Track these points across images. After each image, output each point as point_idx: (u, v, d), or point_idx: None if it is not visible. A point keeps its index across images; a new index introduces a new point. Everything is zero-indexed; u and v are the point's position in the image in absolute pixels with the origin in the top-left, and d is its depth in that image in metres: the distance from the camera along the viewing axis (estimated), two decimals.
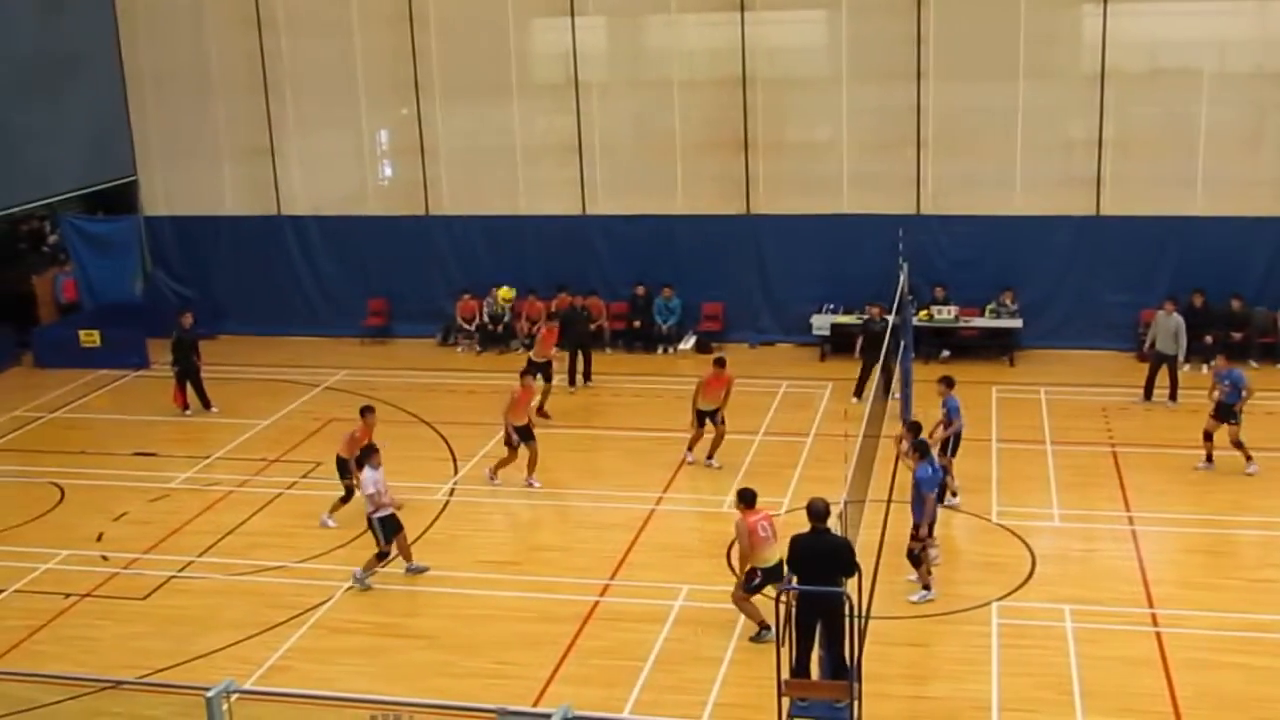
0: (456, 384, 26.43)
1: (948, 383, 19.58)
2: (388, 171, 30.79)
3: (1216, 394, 20.38)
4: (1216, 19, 26.18)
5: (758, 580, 15.49)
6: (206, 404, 24.84)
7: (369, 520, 17.45)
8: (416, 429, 23.58)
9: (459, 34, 28.51)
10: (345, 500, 19.35)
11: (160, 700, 13.58)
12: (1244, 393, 20.16)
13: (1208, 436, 20.38)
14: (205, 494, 20.92)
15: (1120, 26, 25.89)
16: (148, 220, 30.98)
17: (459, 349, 28.73)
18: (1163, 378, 23.46)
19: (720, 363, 21.24)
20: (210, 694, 9.70)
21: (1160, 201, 26.18)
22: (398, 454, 22.16)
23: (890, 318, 21.74)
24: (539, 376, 23.25)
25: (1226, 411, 20.21)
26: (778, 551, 14.99)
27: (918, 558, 16.67)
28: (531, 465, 20.53)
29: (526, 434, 20.39)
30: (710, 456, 21.11)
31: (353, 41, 28.99)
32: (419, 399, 25.16)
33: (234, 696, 9.97)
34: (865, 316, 24.64)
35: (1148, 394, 23.51)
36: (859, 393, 23.61)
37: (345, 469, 19.21)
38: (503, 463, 20.60)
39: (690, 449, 21.21)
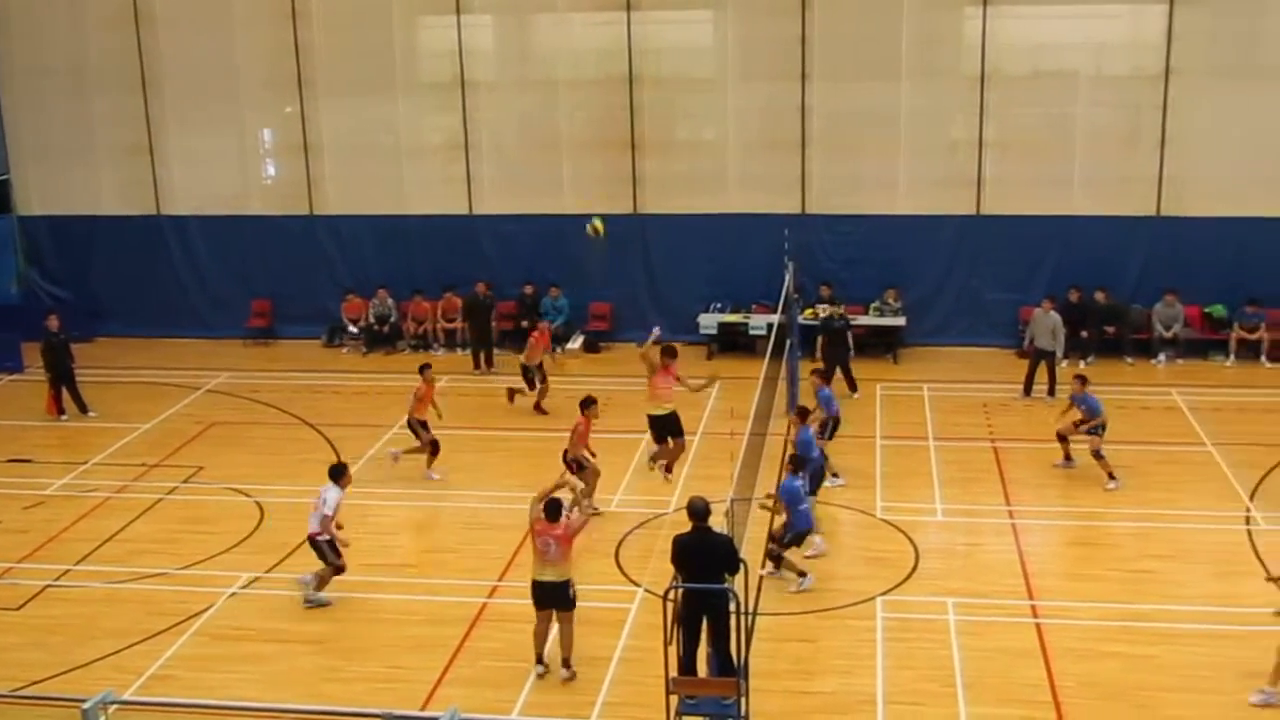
0: (342, 385, 26.19)
1: (821, 375, 20.76)
2: (271, 170, 30.42)
3: (1069, 416, 20.65)
4: (1093, 22, 26.80)
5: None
6: (83, 408, 24.32)
7: (313, 542, 16.80)
8: (301, 431, 23.32)
9: (343, 30, 28.22)
10: (435, 452, 20.71)
11: (35, 713, 13.29)
12: (1099, 420, 20.24)
13: (1062, 438, 20.68)
14: (83, 500, 20.48)
15: (1000, 29, 26.42)
16: (21, 220, 30.23)
17: (344, 350, 28.46)
18: (1042, 374, 24.00)
19: (587, 404, 19.65)
20: (87, 705, 9.52)
21: (1039, 201, 26.76)
22: (281, 457, 22.03)
23: (850, 315, 23.39)
24: (535, 379, 23.91)
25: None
26: (547, 572, 14.87)
27: (778, 557, 16.92)
28: (591, 491, 19.33)
29: (579, 465, 19.22)
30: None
31: (234, 37, 28.54)
32: (304, 401, 24.89)
33: (112, 708, 9.79)
34: (824, 314, 25.17)
35: (1027, 390, 24.03)
36: (852, 387, 24.37)
37: (416, 428, 20.75)
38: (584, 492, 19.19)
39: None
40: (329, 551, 16.78)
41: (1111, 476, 20.03)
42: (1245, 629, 15.15)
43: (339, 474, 17.10)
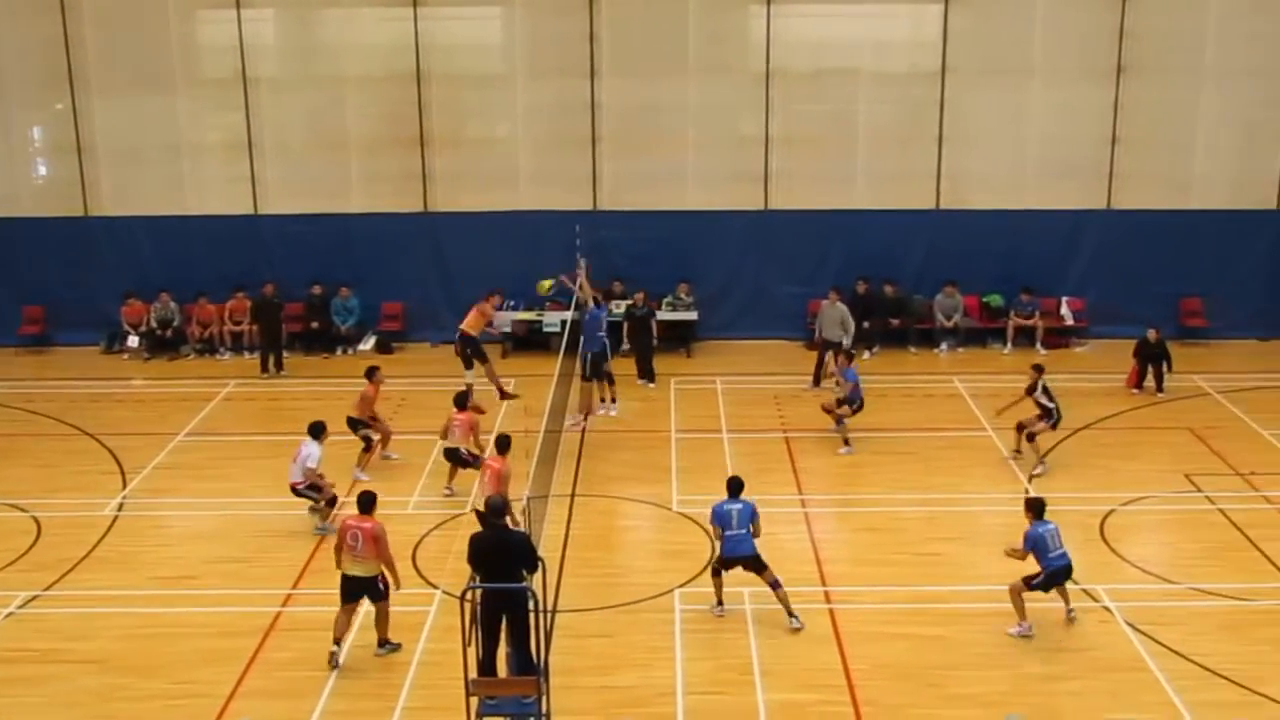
0: (124, 393, 25.30)
1: (848, 355, 21.99)
2: (42, 170, 29.13)
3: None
4: (873, 21, 27.57)
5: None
6: None
7: (295, 490, 18.44)
8: (80, 442, 22.41)
9: (116, 24, 27.16)
10: (368, 449, 20.55)
11: None
12: (852, 394, 21.32)
13: (836, 420, 21.55)
14: None
15: (785, 27, 26.97)
16: None
17: (125, 356, 27.45)
18: (830, 364, 24.53)
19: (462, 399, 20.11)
20: None
21: (825, 196, 27.40)
22: (59, 470, 21.16)
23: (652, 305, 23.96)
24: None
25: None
26: (355, 567, 15.04)
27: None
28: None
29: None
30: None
31: None
32: (83, 410, 23.93)
33: None
34: (630, 304, 25.45)
35: (816, 381, 24.56)
36: (649, 377, 24.93)
37: (356, 425, 20.61)
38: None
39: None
40: (311, 493, 18.37)
41: (846, 442, 21.30)
42: (1031, 605, 15.73)
43: (319, 431, 18.57)
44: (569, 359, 22.51)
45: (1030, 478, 20.15)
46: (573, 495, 19.67)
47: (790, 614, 15.83)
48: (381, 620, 15.25)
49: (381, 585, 15.09)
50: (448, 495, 19.45)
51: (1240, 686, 14.55)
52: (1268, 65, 26.91)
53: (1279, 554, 17.76)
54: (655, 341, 25.28)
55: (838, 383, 21.53)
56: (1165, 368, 24.12)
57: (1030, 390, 20.58)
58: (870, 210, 27.32)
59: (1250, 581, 17.04)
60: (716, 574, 16.12)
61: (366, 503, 15.26)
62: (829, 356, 21.61)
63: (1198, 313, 27.52)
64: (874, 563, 17.81)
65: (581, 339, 22.31)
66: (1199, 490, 19.92)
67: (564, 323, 23.95)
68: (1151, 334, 24.28)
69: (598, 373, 22.60)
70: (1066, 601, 15.92)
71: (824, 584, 17.06)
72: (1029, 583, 15.55)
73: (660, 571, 17.37)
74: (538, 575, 12.94)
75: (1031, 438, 20.65)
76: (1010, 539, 18.05)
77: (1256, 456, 21.28)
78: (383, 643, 15.30)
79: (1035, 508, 15.91)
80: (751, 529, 15.86)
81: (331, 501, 18.63)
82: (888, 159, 27.48)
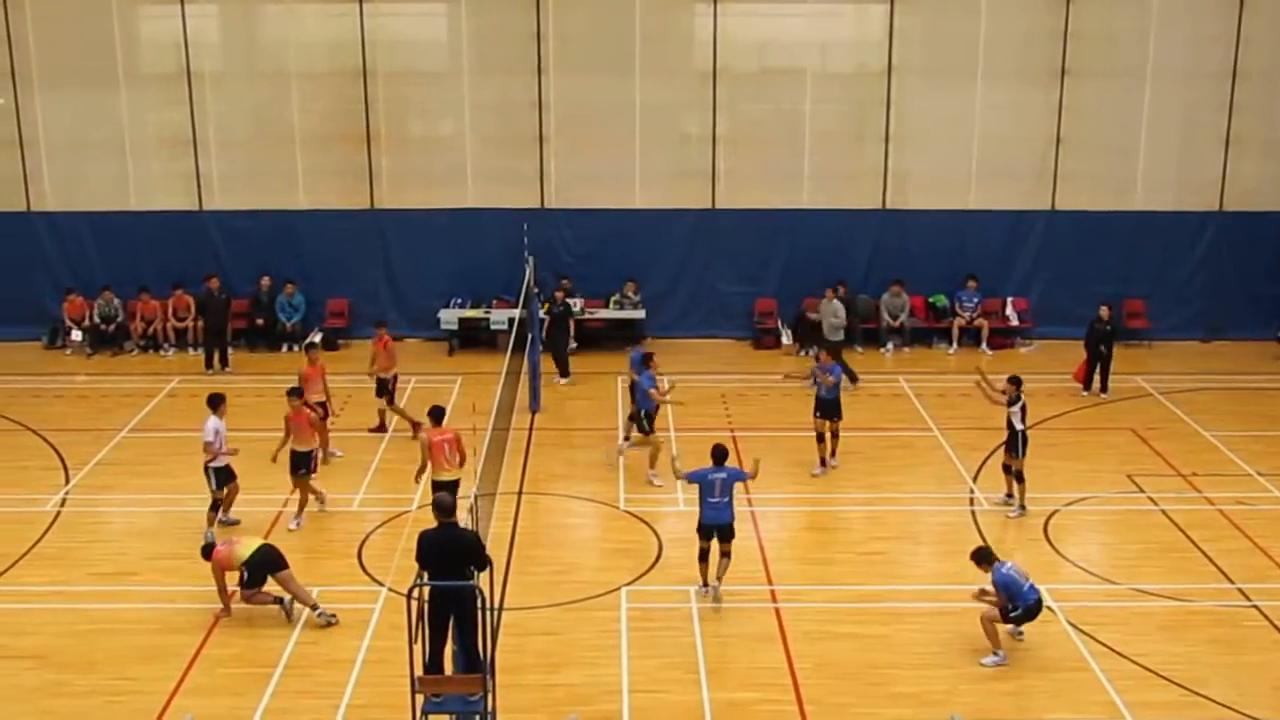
0: (66, 389, 25.02)
1: (831, 353, 21.59)
2: None
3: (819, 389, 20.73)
4: (819, 21, 27.66)
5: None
6: None
7: (205, 467, 18.03)
8: (22, 437, 22.15)
9: (59, 19, 26.84)
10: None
11: None
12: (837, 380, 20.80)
13: (821, 438, 20.81)
14: None
15: (731, 26, 27.06)
16: None
17: (68, 351, 27.13)
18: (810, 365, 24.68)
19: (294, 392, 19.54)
20: None
21: (771, 195, 27.51)
22: (0, 465, 20.89)
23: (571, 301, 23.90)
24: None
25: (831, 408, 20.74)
26: (455, 472, 17.19)
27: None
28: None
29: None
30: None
31: None
32: (25, 406, 23.64)
33: None
34: (548, 301, 25.29)
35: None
36: (565, 373, 24.87)
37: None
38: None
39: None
40: (211, 479, 17.99)
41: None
42: (970, 605, 15.85)
43: (216, 402, 18.22)
44: (515, 357, 22.43)
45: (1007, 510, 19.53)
46: (520, 493, 19.64)
47: (715, 581, 16.37)
48: (301, 595, 15.86)
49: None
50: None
51: (1180, 687, 14.70)
52: (1208, 68, 27.25)
53: (1219, 555, 17.98)
54: (571, 342, 25.30)
55: (815, 380, 20.92)
56: (1107, 351, 24.25)
57: (1011, 402, 19.24)
58: (816, 210, 27.46)
59: (1190, 582, 17.23)
60: (703, 558, 16.52)
61: (439, 414, 17.72)
62: (824, 357, 21.21)
63: (1140, 314, 27.83)
64: (819, 562, 17.90)
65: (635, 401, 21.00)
66: (1141, 491, 20.14)
67: (511, 320, 23.90)
68: (1104, 311, 24.42)
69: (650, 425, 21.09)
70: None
71: (770, 583, 17.11)
72: (1006, 615, 15.31)
73: (606, 570, 17.38)
74: (484, 574, 12.91)
75: (1021, 477, 19.28)
76: (953, 539, 18.25)
77: (1197, 457, 21.55)
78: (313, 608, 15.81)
79: (985, 557, 15.53)
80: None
81: (214, 506, 18.21)
82: (834, 159, 27.62)
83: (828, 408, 20.67)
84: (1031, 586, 15.34)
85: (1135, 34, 27.16)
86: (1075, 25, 26.95)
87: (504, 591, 16.17)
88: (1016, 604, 15.23)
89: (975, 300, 27.41)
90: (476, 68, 27.27)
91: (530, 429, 22.44)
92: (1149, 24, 27.17)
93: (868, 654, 15.40)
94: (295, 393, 19.08)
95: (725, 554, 16.42)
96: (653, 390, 20.46)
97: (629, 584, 16.95)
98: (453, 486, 17.03)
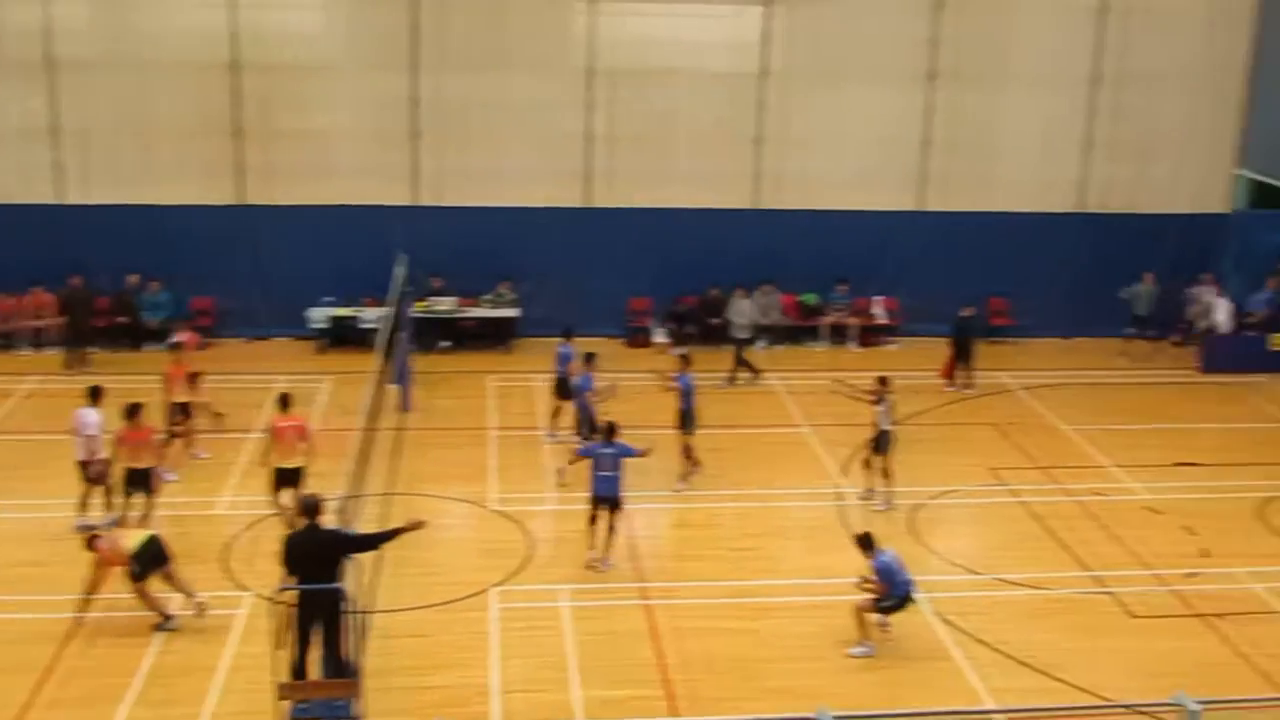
0: None
1: (684, 360, 20.82)
2: None
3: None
4: (696, 21, 27.67)
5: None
6: None
7: (80, 464, 17.88)
8: None
9: None
10: (171, 439, 19.94)
11: None
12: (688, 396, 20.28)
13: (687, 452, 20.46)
14: None
15: (608, 25, 27.02)
16: None
17: None
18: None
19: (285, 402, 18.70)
20: None
21: (646, 194, 27.50)
22: None
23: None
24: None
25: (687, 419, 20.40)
26: (300, 460, 17.54)
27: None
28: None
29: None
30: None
31: None
32: None
33: None
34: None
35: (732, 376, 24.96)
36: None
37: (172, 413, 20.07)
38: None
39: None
40: (90, 471, 17.85)
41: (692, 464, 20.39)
42: (838, 598, 16.04)
43: (95, 395, 18.16)
44: (386, 356, 22.14)
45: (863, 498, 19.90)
46: (390, 494, 19.41)
47: (603, 553, 17.19)
48: (180, 585, 15.62)
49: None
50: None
51: (1040, 673, 15.05)
52: (1068, 75, 27.91)
53: (1077, 544, 18.43)
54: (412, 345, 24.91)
55: (670, 387, 20.60)
56: (971, 348, 24.73)
57: (876, 401, 19.59)
58: (691, 208, 27.52)
59: (1049, 571, 17.65)
60: (592, 520, 17.25)
61: (286, 401, 17.95)
62: (679, 364, 20.87)
63: (1004, 312, 28.39)
64: (690, 558, 17.95)
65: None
66: (1003, 484, 20.56)
67: (382, 319, 23.56)
68: (967, 310, 25.05)
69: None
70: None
71: (641, 580, 17.12)
72: (879, 604, 15.50)
73: (477, 570, 17.24)
74: (351, 577, 12.72)
75: (887, 472, 19.58)
76: (821, 533, 18.45)
77: (1057, 450, 22.07)
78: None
79: (868, 543, 15.65)
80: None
81: (86, 499, 18.13)
82: (709, 158, 27.72)
83: (680, 418, 20.34)
84: (906, 580, 15.54)
85: (1001, 41, 27.73)
86: (944, 31, 27.41)
87: (372, 595, 15.95)
88: (891, 593, 15.43)
89: (845, 300, 27.73)
90: (351, 62, 26.89)
91: (401, 429, 22.18)
92: (1012, 31, 27.76)
93: (739, 649, 15.48)
94: (133, 411, 17.99)
95: (612, 528, 17.17)
96: (589, 392, 20.28)
97: (499, 584, 16.84)
98: (296, 475, 17.42)
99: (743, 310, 25.69)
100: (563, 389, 21.68)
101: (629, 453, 17.42)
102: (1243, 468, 21.54)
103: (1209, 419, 24.13)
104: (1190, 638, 16.05)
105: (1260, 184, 28.84)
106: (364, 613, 13.96)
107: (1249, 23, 28.16)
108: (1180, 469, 21.42)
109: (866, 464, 19.75)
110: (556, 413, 21.86)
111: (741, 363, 25.15)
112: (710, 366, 25.74)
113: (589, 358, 20.84)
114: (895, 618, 15.68)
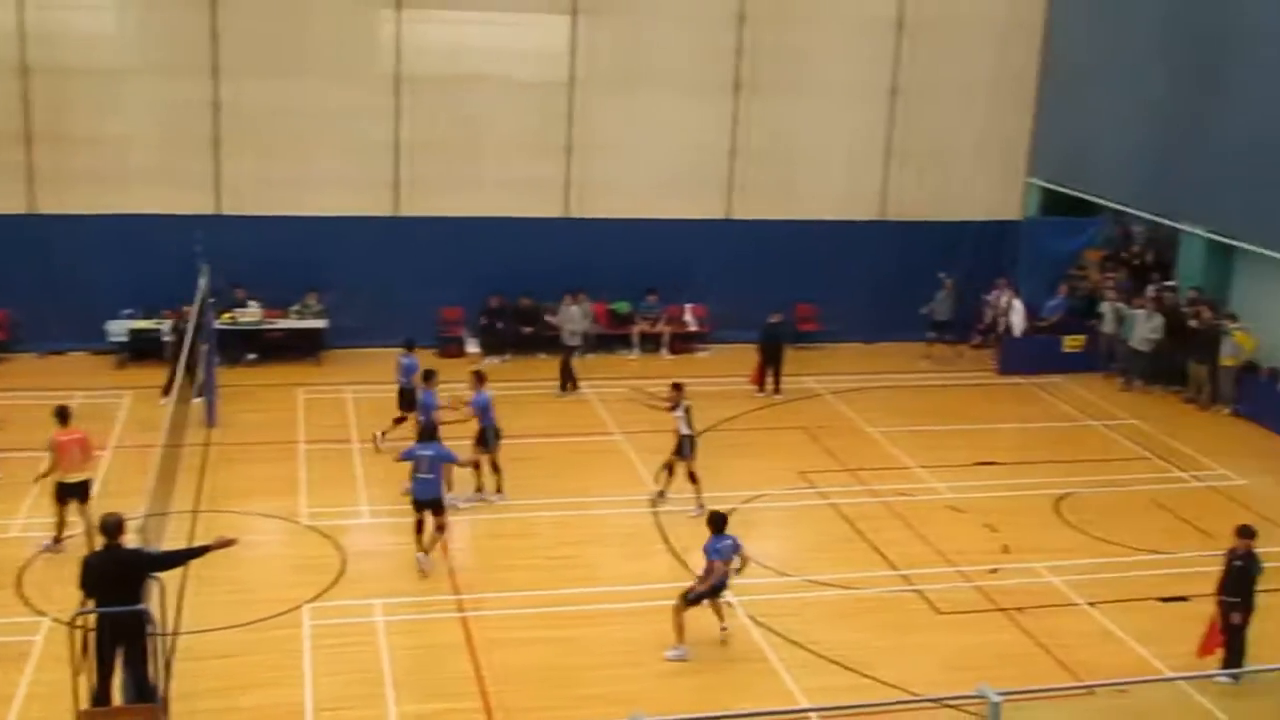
0: None
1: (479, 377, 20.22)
2: None
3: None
4: (504, 29, 27.55)
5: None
6: None
7: None
8: None
9: None
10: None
11: None
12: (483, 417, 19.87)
13: (477, 466, 19.95)
14: None
15: (415, 32, 26.77)
16: None
17: None
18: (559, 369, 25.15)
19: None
20: None
21: (456, 202, 27.32)
22: None
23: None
24: None
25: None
26: (84, 473, 17.04)
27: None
28: None
29: None
30: None
31: None
32: None
33: None
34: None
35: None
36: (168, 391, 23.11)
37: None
38: None
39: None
40: None
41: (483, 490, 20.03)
42: (656, 604, 16.14)
43: None
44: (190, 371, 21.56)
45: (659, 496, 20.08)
46: (196, 512, 18.86)
47: (426, 551, 17.36)
48: None
49: None
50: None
51: (851, 671, 15.38)
52: (869, 86, 28.70)
53: (884, 544, 18.90)
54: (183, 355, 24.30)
55: (461, 408, 20.08)
56: (780, 354, 25.24)
57: (671, 407, 19.74)
58: (502, 217, 27.43)
59: (859, 571, 18.05)
60: (418, 529, 17.41)
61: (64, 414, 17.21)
62: (471, 381, 20.56)
63: (811, 318, 28.97)
64: (505, 568, 17.84)
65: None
66: (813, 486, 20.97)
67: (179, 332, 22.89)
68: (775, 317, 25.53)
69: None
70: (721, 618, 15.97)
71: (457, 592, 16.97)
72: (688, 598, 15.58)
73: (289, 587, 16.85)
74: (155, 598, 12.32)
75: (694, 477, 19.71)
76: (638, 540, 18.55)
77: (864, 453, 22.61)
78: None
79: (717, 522, 15.74)
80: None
81: None
82: (519, 166, 27.68)
83: (479, 436, 19.90)
84: (724, 578, 15.60)
85: (803, 52, 28.34)
86: (747, 42, 27.88)
87: (178, 616, 15.45)
88: (714, 582, 15.51)
89: (655, 309, 27.96)
90: (147, 65, 26.07)
91: (206, 445, 21.57)
92: (816, 43, 28.38)
93: (557, 657, 15.46)
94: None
95: (438, 527, 17.41)
96: (436, 411, 19.79)
97: (311, 601, 16.50)
98: (82, 488, 17.00)
99: (573, 317, 25.67)
100: (406, 400, 21.31)
101: (448, 457, 17.58)
102: (1039, 465, 22.38)
103: (1007, 419, 25.03)
104: (993, 631, 16.60)
105: (1050, 191, 29.99)
106: (169, 635, 13.54)
107: (1039, 35, 29.32)
108: (980, 468, 22.14)
109: (668, 469, 19.92)
110: (399, 423, 21.48)
111: (563, 369, 25.14)
112: (524, 376, 25.81)
113: (429, 375, 20.37)
114: (713, 624, 15.78)
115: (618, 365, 27.23)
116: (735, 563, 15.76)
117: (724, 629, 15.94)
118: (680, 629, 15.54)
